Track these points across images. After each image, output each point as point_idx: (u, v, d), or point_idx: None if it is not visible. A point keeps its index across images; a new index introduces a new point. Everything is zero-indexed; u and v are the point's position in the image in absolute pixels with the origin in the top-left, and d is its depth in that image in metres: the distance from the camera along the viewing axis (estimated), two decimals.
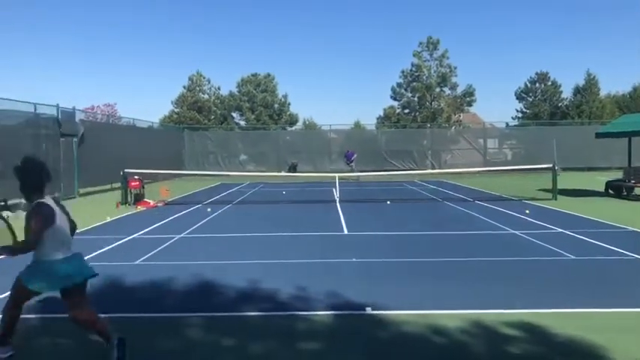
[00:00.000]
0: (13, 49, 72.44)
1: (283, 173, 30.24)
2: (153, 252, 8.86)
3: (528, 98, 48.03)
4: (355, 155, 29.62)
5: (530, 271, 7.32)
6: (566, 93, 46.63)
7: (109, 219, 12.99)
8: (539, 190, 18.54)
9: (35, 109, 17.35)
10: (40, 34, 71.33)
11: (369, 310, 5.55)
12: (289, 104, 44.50)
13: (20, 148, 15.87)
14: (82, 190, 19.87)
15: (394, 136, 36.25)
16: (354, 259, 8.13)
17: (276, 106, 43.57)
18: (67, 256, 4.36)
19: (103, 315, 5.49)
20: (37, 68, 76.05)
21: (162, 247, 9.40)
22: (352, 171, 27.44)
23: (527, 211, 13.27)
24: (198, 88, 44.46)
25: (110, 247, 9.40)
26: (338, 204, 15.79)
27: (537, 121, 40.92)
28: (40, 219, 4.24)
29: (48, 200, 4.41)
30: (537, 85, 47.84)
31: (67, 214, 4.50)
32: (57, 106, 18.69)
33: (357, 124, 43.64)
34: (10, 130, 15.53)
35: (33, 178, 4.43)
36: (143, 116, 58.55)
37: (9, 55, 73.67)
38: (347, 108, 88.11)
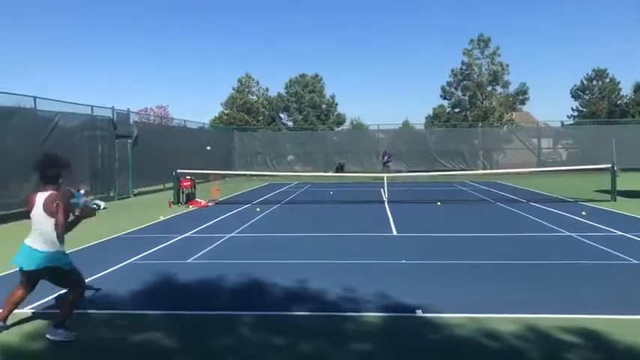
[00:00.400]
0: (70, 54, 75.33)
1: (330, 173, 30.26)
2: (204, 251, 9.02)
3: (585, 96, 46.44)
4: (391, 156, 29.83)
5: (588, 275, 7.05)
6: (626, 90, 44.83)
7: (162, 218, 13.31)
8: (597, 191, 17.86)
9: (92, 112, 17.96)
10: (99, 41, 73.95)
11: (419, 313, 5.46)
12: (337, 104, 44.59)
13: (78, 148, 16.51)
14: (136, 190, 20.45)
15: (444, 135, 35.71)
16: (403, 261, 8.04)
17: (323, 106, 43.70)
18: None
19: (159, 312, 5.64)
20: (95, 71, 78.84)
21: (213, 245, 9.55)
22: (388, 171, 27.61)
23: (584, 213, 12.81)
24: (247, 90, 45.08)
25: (163, 245, 9.62)
26: (386, 204, 15.67)
27: (595, 120, 39.46)
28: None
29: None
30: (594, 82, 46.20)
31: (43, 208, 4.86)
32: (112, 108, 19.31)
33: (406, 124, 43.24)
34: (69, 132, 16.14)
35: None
36: (194, 118, 59.83)
37: (67, 59, 76.68)
38: (395, 108, 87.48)
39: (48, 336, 4.76)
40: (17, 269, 5.02)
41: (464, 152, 33.39)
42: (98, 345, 4.79)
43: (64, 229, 4.80)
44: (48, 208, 4.75)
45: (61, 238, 4.82)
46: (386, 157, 29.82)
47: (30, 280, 4.97)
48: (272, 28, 73.54)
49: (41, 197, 4.84)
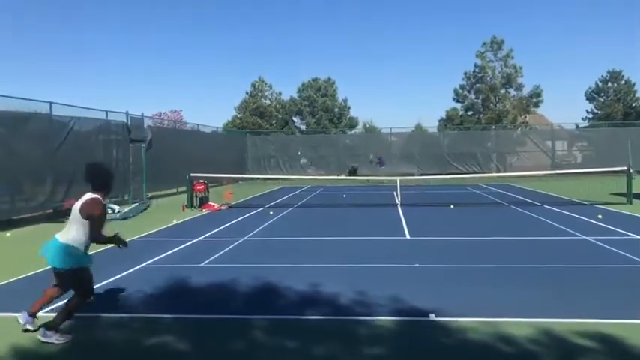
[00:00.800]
0: (84, 59, 76.15)
1: (343, 177, 30.28)
2: (218, 254, 9.05)
3: (600, 98, 45.99)
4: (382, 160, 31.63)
5: (604, 279, 6.97)
6: None
7: (175, 222, 13.38)
8: (613, 194, 17.66)
9: (107, 116, 18.12)
10: (112, 46, 74.67)
11: (432, 317, 5.43)
12: (349, 108, 44.57)
13: (93, 153, 16.66)
14: (149, 194, 20.56)
15: (457, 138, 35.55)
16: (416, 264, 8.01)
17: (336, 110, 43.70)
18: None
19: (172, 316, 5.66)
20: (109, 77, 79.59)
21: (227, 249, 9.58)
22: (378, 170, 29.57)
23: (600, 216, 12.68)
24: (260, 94, 45.21)
25: (177, 249, 9.67)
26: (399, 208, 15.63)
27: (610, 122, 39.03)
28: None
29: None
30: (609, 84, 45.74)
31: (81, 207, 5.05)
32: (126, 113, 19.46)
33: (419, 127, 43.10)
34: (84, 136, 16.30)
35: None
36: (207, 122, 60.14)
37: (82, 64, 77.51)
38: (408, 111, 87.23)
39: (39, 336, 4.85)
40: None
41: (477, 155, 33.19)
42: (111, 348, 4.82)
43: (99, 234, 5.08)
44: (85, 210, 4.93)
45: (87, 241, 5.04)
46: (378, 162, 31.75)
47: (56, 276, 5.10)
48: (285, 32, 73.78)
49: (85, 197, 5.06)
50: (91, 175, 5.19)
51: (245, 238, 10.82)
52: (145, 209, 16.48)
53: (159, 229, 12.23)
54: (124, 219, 14.25)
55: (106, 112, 18.14)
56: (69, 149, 15.19)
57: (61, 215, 14.47)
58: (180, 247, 9.80)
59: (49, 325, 4.88)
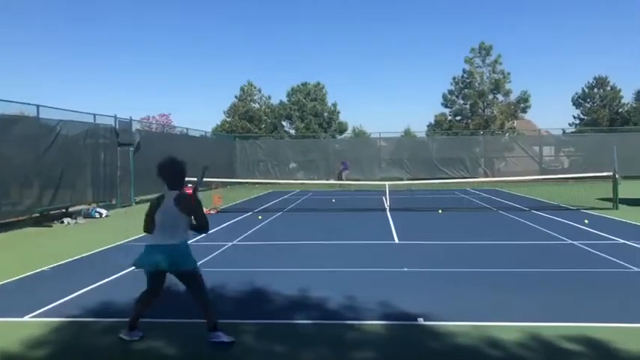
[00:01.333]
0: (72, 62, 75.68)
1: (332, 181, 30.32)
2: (206, 259, 9.01)
3: (586, 104, 46.45)
4: (347, 167, 31.80)
5: (590, 283, 7.03)
6: (627, 98, 44.85)
7: None
8: (599, 199, 17.84)
9: (95, 120, 18.02)
10: (99, 50, 74.25)
11: (420, 321, 5.45)
12: (339, 113, 44.61)
13: (81, 156, 16.55)
14: (137, 198, 20.46)
15: (446, 143, 35.73)
16: (405, 269, 8.03)
17: (325, 114, 43.73)
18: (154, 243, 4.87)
19: (160, 320, 5.63)
20: (97, 81, 79.13)
21: (215, 254, 9.55)
22: (341, 179, 29.83)
23: (587, 221, 12.79)
24: (249, 98, 45.15)
25: None
26: (388, 212, 15.67)
27: (596, 128, 39.44)
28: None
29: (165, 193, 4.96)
30: (596, 90, 46.23)
31: (177, 205, 4.82)
32: (115, 116, 19.37)
33: (408, 132, 43.26)
34: (71, 140, 16.19)
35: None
36: (196, 126, 59.95)
37: (69, 68, 77.02)
38: (397, 116, 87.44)
39: (213, 340, 4.82)
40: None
41: (465, 160, 33.39)
42: (101, 353, 4.79)
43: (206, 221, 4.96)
44: (183, 206, 4.78)
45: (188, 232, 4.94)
46: (342, 167, 31.67)
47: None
48: (274, 36, 73.79)
49: (172, 196, 4.86)
50: (170, 172, 4.96)
51: (234, 242, 10.79)
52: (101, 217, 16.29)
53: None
54: None
55: (94, 115, 18.04)
56: (56, 153, 15.08)
57: (47, 219, 14.37)
58: None
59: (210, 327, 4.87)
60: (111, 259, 9.15)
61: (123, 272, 8.02)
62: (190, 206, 4.82)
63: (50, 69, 76.35)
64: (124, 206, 18.93)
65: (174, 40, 75.66)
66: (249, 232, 12.22)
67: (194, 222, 4.92)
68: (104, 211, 16.22)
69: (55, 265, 8.66)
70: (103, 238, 11.12)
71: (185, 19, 75.68)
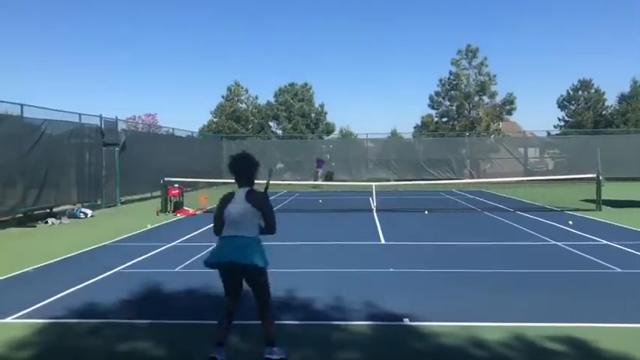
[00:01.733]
0: (58, 61, 74.98)
1: (320, 182, 30.33)
2: (192, 259, 8.98)
3: (571, 106, 46.90)
4: (324, 165, 31.90)
5: (574, 284, 7.12)
6: (611, 101, 45.40)
7: (149, 226, 13.23)
8: (583, 200, 18.04)
9: (80, 119, 17.87)
10: (86, 48, 73.61)
11: (406, 321, 5.48)
12: (326, 113, 44.69)
13: (65, 156, 16.40)
14: (123, 199, 20.32)
15: (432, 145, 35.93)
16: (391, 269, 8.06)
17: (313, 115, 43.78)
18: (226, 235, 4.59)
19: (146, 321, 5.60)
20: (82, 80, 78.46)
21: (202, 254, 9.49)
22: (317, 179, 29.86)
23: (571, 222, 12.94)
24: (236, 98, 45.06)
25: (151, 254, 9.56)
26: (375, 213, 15.71)
27: (580, 130, 39.90)
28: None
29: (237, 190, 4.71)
30: (580, 92, 46.71)
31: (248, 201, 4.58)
32: (100, 116, 19.22)
33: (394, 133, 43.43)
34: (56, 139, 16.03)
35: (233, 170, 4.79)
36: (183, 126, 59.65)
37: (55, 67, 76.30)
38: (384, 117, 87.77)
39: (267, 356, 4.47)
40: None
41: (451, 161, 33.60)
42: (85, 354, 4.75)
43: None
44: (254, 201, 4.57)
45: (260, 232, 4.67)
46: (315, 165, 32.01)
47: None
48: (262, 36, 73.68)
49: (244, 192, 4.66)
50: (243, 167, 4.76)
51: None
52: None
53: (133, 233, 12.08)
54: None
55: (79, 115, 17.89)
56: (40, 152, 14.92)
57: (31, 219, 14.22)
58: (155, 252, 9.70)
59: (269, 342, 4.54)
60: (96, 260, 9.08)
61: (108, 273, 7.96)
62: (262, 202, 4.59)
63: (35, 67, 75.59)
64: (110, 206, 18.79)
65: (161, 38, 75.25)
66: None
67: (262, 223, 4.66)
68: (89, 212, 16.09)
69: (38, 265, 8.57)
70: (87, 239, 11.03)
71: (173, 17, 75.39)
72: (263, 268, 4.53)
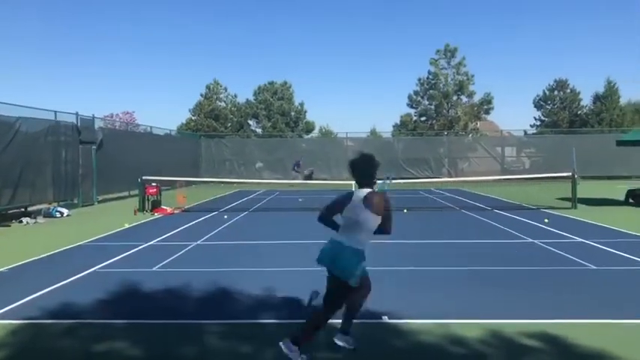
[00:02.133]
0: (34, 59, 73.68)
1: (299, 181, 30.30)
2: (170, 259, 8.91)
3: (547, 106, 47.52)
4: (298, 166, 31.99)
5: (550, 281, 7.22)
6: (586, 101, 46.13)
7: (127, 225, 13.09)
8: (559, 198, 18.32)
9: (55, 117, 17.59)
10: (62, 45, 72.41)
11: (385, 319, 5.51)
12: (306, 112, 44.62)
13: (41, 154, 16.13)
14: (100, 197, 20.07)
15: (411, 143, 36.16)
16: (369, 267, 8.07)
17: (292, 113, 43.68)
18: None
19: (123, 321, 5.54)
20: (59, 78, 77.17)
21: (180, 253, 9.44)
22: (296, 178, 29.83)
23: (547, 220, 13.13)
24: (215, 96, 44.72)
25: (128, 253, 9.46)
26: None
27: (556, 129, 40.50)
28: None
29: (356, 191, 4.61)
30: (556, 92, 47.37)
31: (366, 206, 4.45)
32: (76, 113, 18.94)
33: (374, 132, 43.56)
34: (31, 137, 15.76)
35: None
36: (161, 124, 59.11)
37: (31, 65, 75.00)
38: (363, 115, 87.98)
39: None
40: None
41: (430, 160, 33.87)
42: (61, 355, 4.68)
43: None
44: (373, 205, 4.43)
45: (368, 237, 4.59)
46: (294, 163, 32.04)
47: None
48: (241, 34, 73.27)
49: (361, 193, 4.53)
50: (365, 167, 4.64)
51: (198, 242, 10.69)
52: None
53: (110, 232, 11.93)
54: None
55: (55, 112, 17.60)
56: (15, 150, 14.65)
57: (5, 219, 13.96)
58: (132, 252, 9.59)
59: (294, 339, 4.50)
60: (72, 260, 8.95)
61: (84, 273, 7.86)
62: (382, 205, 4.49)
63: (9, 65, 74.17)
64: (86, 205, 18.53)
65: (139, 35, 74.38)
66: (214, 231, 12.12)
67: (377, 225, 4.56)
68: (65, 211, 15.85)
69: (13, 265, 8.42)
70: (63, 238, 10.86)
71: (150, 14, 74.48)
72: (345, 281, 4.47)
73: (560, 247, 9.64)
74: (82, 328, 5.35)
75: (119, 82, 76.87)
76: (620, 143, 19.13)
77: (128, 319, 5.62)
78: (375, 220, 4.48)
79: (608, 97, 42.92)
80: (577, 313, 5.66)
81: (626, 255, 8.81)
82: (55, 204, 16.54)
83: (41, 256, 9.26)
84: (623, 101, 44.34)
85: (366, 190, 4.52)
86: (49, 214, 15.32)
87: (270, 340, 4.95)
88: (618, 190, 20.21)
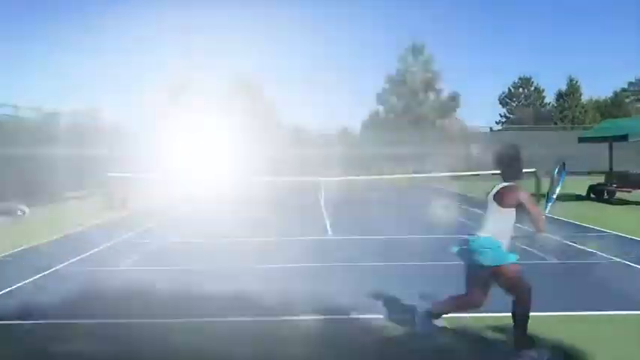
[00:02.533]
0: None
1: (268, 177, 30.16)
2: (137, 257, 8.81)
3: (512, 103, 48.49)
4: None
5: None
6: (549, 98, 47.20)
7: (94, 222, 12.85)
8: None
9: None
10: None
11: (354, 315, 5.56)
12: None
13: None
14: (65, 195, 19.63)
15: (379, 140, 36.36)
16: (338, 263, 8.14)
17: None
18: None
19: (87, 321, 5.46)
20: None
21: (146, 251, 9.34)
22: None
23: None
24: None
25: (94, 251, 9.30)
26: (323, 208, 15.78)
27: (521, 126, 41.30)
28: None
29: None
30: (521, 90, 48.33)
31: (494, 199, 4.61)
32: None
33: (344, 129, 43.66)
34: None
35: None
36: None
37: None
38: (332, 113, 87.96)
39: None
40: None
41: (399, 157, 34.13)
42: (24, 357, 4.59)
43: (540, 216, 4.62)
44: (500, 199, 4.55)
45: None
46: None
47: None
48: (210, 28, 72.26)
49: (498, 186, 4.62)
50: (512, 159, 4.65)
51: (163, 240, 10.58)
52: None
53: (75, 230, 11.70)
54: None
55: None
56: None
57: None
58: (98, 249, 9.44)
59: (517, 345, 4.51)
60: (34, 259, 8.75)
61: (47, 271, 7.70)
62: (506, 199, 4.53)
63: None
64: (50, 203, 18.10)
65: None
66: (181, 229, 12.01)
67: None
68: (26, 209, 15.45)
69: None
70: (21, 239, 10.61)
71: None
72: (488, 266, 4.56)
73: (523, 241, 9.83)
74: (45, 329, 5.26)
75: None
76: (582, 140, 19.63)
77: (93, 319, 5.54)
78: (501, 212, 4.64)
79: (570, 94, 43.99)
80: (538, 307, 5.77)
81: (587, 249, 9.08)
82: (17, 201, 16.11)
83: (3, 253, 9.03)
84: (584, 99, 45.52)
85: (500, 185, 4.64)
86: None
87: (239, 338, 4.94)
88: (579, 185, 20.73)
